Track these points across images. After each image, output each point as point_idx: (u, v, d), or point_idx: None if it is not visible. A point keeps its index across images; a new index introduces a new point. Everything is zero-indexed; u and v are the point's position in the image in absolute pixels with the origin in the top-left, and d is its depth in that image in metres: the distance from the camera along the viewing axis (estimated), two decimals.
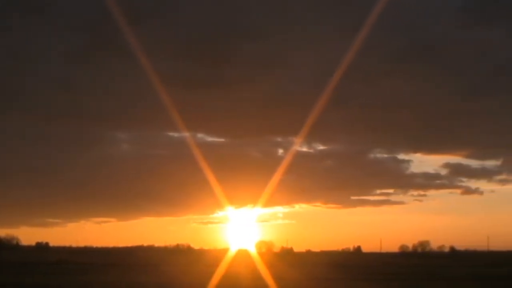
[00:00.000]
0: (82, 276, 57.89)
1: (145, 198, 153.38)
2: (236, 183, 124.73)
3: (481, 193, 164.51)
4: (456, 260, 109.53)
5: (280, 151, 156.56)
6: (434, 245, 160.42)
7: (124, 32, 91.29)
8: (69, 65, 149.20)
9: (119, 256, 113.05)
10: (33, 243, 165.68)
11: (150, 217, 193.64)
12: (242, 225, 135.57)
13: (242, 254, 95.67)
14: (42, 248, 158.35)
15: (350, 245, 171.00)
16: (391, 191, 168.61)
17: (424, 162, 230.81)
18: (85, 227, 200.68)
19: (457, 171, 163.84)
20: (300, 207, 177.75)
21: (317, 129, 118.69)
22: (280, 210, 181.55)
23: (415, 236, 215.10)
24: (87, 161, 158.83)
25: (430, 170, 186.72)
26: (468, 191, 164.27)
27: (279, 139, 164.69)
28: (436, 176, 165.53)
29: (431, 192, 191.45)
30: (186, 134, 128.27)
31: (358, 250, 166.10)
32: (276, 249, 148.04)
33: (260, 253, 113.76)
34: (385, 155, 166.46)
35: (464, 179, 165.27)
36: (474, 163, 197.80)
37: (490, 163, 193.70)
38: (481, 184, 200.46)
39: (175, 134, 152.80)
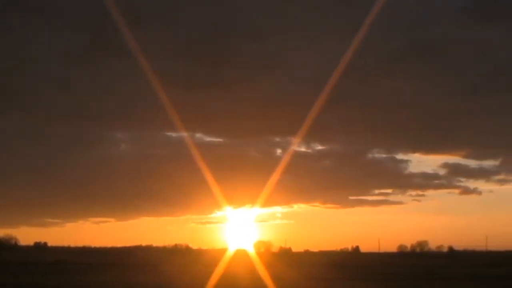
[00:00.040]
0: (81, 276, 57.90)
1: (144, 198, 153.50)
2: (235, 183, 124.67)
3: (480, 193, 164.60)
4: (454, 260, 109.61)
5: (279, 151, 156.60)
6: (433, 245, 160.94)
7: (124, 32, 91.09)
8: (69, 65, 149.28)
9: (118, 256, 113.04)
10: (31, 243, 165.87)
11: (149, 217, 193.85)
12: (241, 225, 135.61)
13: (241, 254, 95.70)
14: (40, 248, 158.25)
15: (348, 245, 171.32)
16: (389, 191, 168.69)
17: (422, 162, 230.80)
18: (83, 227, 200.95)
19: (456, 171, 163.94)
20: (299, 207, 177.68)
21: (315, 129, 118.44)
22: (278, 210, 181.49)
23: (413, 236, 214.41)
24: (86, 161, 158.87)
25: (429, 170, 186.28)
26: (466, 191, 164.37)
27: (277, 139, 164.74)
28: (435, 176, 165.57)
29: (430, 192, 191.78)
30: (184, 134, 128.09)
31: (356, 250, 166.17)
32: (275, 249, 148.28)
33: (259, 253, 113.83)
34: (384, 155, 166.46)
35: (462, 179, 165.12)
36: (472, 163, 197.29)
37: (489, 163, 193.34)
38: (480, 184, 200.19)
39: (174, 134, 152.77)
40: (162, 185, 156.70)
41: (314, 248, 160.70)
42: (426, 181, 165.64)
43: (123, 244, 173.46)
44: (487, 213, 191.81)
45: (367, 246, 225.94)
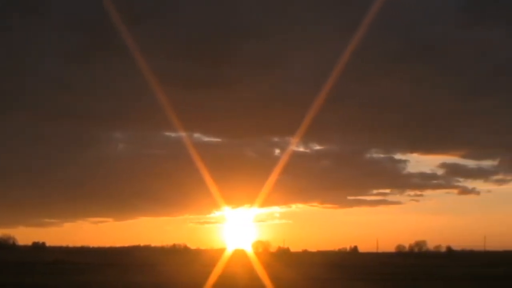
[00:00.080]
0: (79, 276, 57.85)
1: (142, 198, 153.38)
2: (233, 183, 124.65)
3: (478, 193, 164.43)
4: (452, 260, 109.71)
5: (277, 151, 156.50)
6: (431, 245, 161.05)
7: (124, 32, 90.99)
8: (69, 65, 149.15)
9: (116, 256, 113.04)
10: (29, 243, 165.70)
11: (147, 217, 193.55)
12: (239, 225, 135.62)
13: (239, 254, 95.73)
14: (38, 248, 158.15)
15: (346, 245, 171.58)
16: (387, 191, 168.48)
17: (420, 162, 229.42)
18: (81, 227, 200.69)
19: (454, 171, 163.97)
20: (297, 207, 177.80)
21: (313, 129, 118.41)
22: (276, 210, 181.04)
23: (411, 236, 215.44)
24: (84, 161, 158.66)
25: (427, 170, 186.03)
26: (464, 191, 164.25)
27: (275, 139, 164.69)
28: (433, 176, 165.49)
29: (428, 192, 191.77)
30: (183, 134, 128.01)
31: (354, 250, 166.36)
32: (273, 249, 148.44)
33: (257, 253, 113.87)
34: (382, 155, 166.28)
35: (460, 179, 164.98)
36: (470, 163, 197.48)
37: (487, 163, 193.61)
38: (478, 184, 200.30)
39: (172, 134, 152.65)
40: (160, 185, 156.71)
41: (313, 248, 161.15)
42: (424, 181, 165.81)
43: (122, 244, 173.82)
44: (485, 213, 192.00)
45: (366, 246, 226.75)
